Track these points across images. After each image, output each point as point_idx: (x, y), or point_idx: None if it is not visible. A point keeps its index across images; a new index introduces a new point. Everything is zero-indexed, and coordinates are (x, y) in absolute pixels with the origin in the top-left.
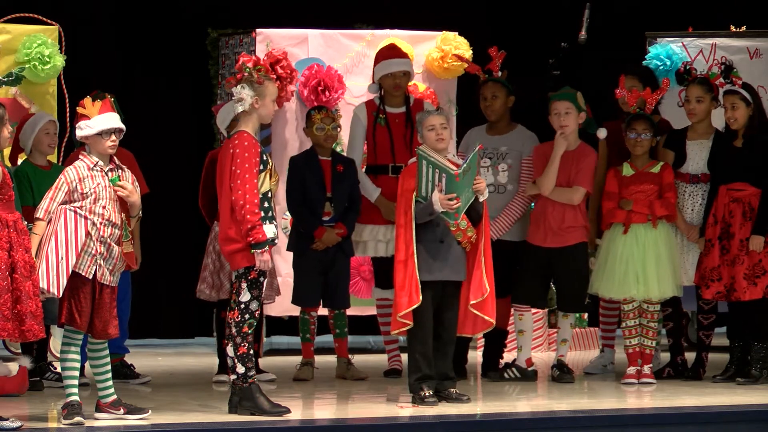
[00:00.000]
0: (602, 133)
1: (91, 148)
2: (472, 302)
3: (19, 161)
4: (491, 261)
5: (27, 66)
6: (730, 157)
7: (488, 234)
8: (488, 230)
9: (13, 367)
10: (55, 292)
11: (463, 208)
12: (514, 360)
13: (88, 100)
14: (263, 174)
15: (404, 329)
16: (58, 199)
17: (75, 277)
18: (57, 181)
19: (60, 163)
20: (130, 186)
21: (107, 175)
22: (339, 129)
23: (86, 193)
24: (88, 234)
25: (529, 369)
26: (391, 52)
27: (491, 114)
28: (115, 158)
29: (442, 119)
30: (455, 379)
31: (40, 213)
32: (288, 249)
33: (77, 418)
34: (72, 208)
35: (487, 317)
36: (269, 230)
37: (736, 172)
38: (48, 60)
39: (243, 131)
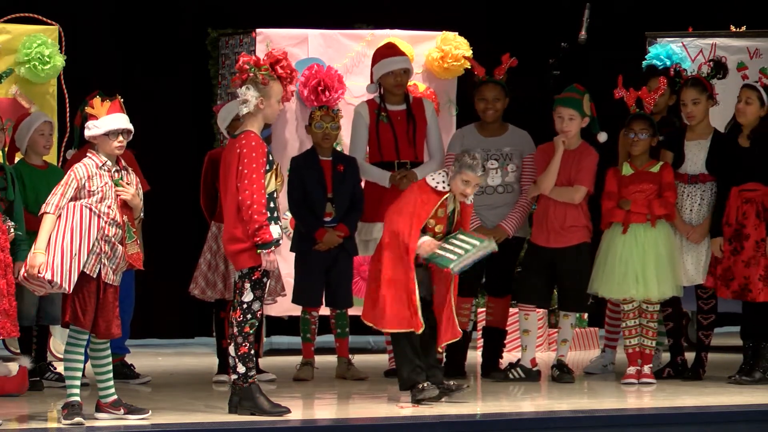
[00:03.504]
0: (602, 136)
1: (98, 148)
2: (443, 344)
3: (16, 160)
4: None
5: (26, 66)
6: (738, 158)
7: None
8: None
9: (13, 367)
10: (67, 288)
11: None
12: (519, 360)
13: (97, 101)
14: (269, 174)
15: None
16: (68, 195)
17: (80, 276)
18: (66, 177)
19: (60, 164)
20: (133, 189)
21: (113, 176)
22: (338, 129)
23: (93, 191)
24: (97, 232)
25: (534, 369)
26: (389, 50)
27: (492, 115)
28: (121, 159)
29: (480, 181)
30: (442, 368)
31: (50, 208)
32: (291, 250)
33: (77, 419)
34: (87, 205)
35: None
36: (275, 231)
37: (746, 172)
38: (48, 60)
39: (249, 131)
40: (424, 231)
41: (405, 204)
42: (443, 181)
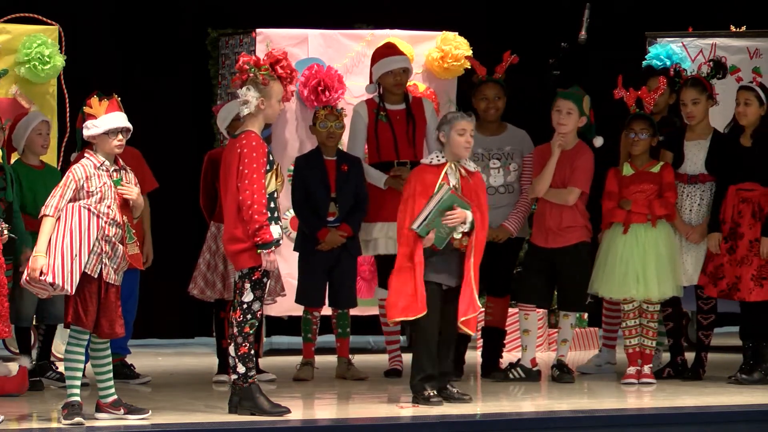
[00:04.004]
0: (598, 141)
1: (97, 148)
2: (461, 319)
3: (12, 160)
4: (477, 274)
5: (26, 66)
6: (738, 157)
7: (479, 249)
8: (481, 246)
9: (13, 367)
10: (69, 290)
11: (443, 239)
12: (519, 360)
13: (95, 100)
14: (269, 174)
15: (402, 319)
16: (67, 196)
17: (81, 276)
18: (65, 178)
19: (60, 165)
20: (136, 189)
21: (112, 176)
22: (343, 129)
23: (92, 191)
24: (97, 232)
25: (534, 369)
26: (388, 50)
27: (494, 114)
28: (120, 159)
29: (473, 125)
30: (453, 373)
31: (49, 210)
32: (295, 249)
33: (77, 419)
34: (86, 206)
35: (470, 332)
36: (275, 231)
37: (745, 172)
38: (48, 60)
39: (250, 131)
40: None
41: (408, 192)
42: (437, 156)
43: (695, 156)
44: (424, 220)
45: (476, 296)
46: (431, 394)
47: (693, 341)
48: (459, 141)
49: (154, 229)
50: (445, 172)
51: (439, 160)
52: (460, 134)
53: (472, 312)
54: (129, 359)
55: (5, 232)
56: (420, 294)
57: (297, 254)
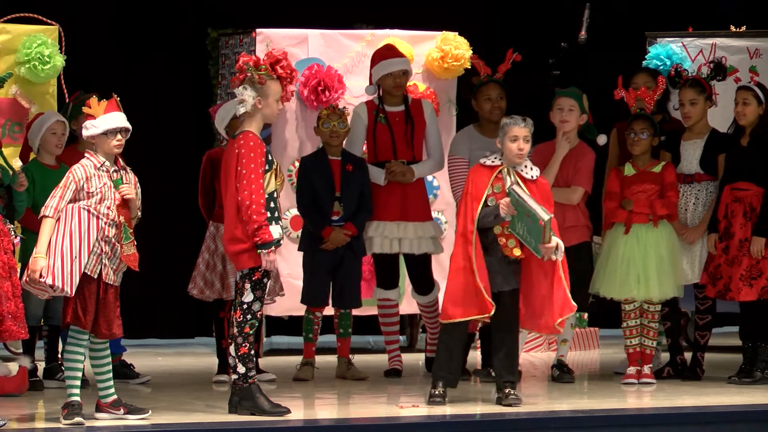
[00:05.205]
0: (602, 139)
1: (97, 148)
2: (558, 320)
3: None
4: (567, 273)
5: (26, 66)
6: (734, 157)
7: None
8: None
9: (13, 367)
10: (69, 291)
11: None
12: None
13: (93, 100)
14: (269, 174)
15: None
16: (67, 197)
17: (81, 277)
18: (65, 179)
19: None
20: (134, 190)
21: (112, 176)
22: (346, 128)
23: (92, 192)
24: (97, 233)
25: None
26: (389, 52)
27: (498, 115)
28: (120, 159)
29: (527, 132)
30: (515, 382)
31: (49, 211)
32: (299, 249)
33: (77, 419)
34: (86, 207)
35: (561, 329)
36: (275, 231)
37: (740, 171)
38: (48, 60)
39: (248, 131)
40: None
41: (463, 192)
42: (495, 158)
43: (691, 156)
44: (519, 197)
45: (569, 296)
46: (436, 392)
47: (693, 341)
48: (511, 147)
49: (154, 228)
50: (498, 174)
51: (493, 162)
52: (513, 141)
53: (568, 312)
54: (129, 359)
55: (12, 232)
56: (487, 291)
57: (297, 254)
